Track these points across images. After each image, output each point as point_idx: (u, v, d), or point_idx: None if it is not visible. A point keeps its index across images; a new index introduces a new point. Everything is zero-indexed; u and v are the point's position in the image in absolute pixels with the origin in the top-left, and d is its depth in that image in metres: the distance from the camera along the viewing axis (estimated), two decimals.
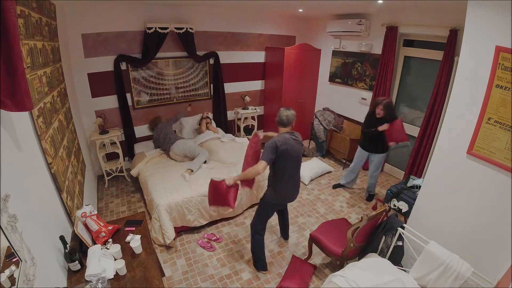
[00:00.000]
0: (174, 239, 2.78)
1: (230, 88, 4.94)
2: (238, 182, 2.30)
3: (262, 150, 2.28)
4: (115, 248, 1.74)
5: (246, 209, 3.42)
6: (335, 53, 4.88)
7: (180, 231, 2.99)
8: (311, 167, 4.24)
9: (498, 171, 1.73)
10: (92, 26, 3.46)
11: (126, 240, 1.87)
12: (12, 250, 1.06)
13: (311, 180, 4.16)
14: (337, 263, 2.45)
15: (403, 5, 3.47)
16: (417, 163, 3.76)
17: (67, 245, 1.56)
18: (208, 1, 3.73)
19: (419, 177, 3.47)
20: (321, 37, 5.07)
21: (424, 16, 3.42)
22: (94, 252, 1.63)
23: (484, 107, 1.73)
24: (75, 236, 1.81)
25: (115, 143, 3.77)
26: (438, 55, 3.39)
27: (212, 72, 4.60)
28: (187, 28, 3.91)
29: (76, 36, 3.40)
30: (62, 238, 1.55)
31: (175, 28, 3.82)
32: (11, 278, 1.03)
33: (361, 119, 4.53)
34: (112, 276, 1.59)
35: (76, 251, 1.63)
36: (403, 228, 2.16)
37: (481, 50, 1.71)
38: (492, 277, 1.69)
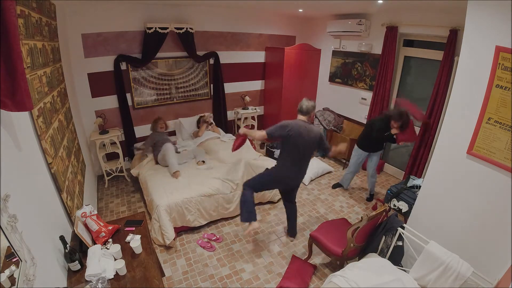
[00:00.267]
0: (174, 239, 2.78)
1: (230, 88, 4.94)
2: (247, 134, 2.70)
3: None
4: (115, 248, 1.74)
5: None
6: (335, 53, 4.88)
7: (180, 231, 2.99)
8: (311, 167, 4.22)
9: (498, 171, 1.73)
10: (92, 26, 3.46)
11: (126, 240, 1.87)
12: (12, 250, 1.06)
13: (311, 180, 4.16)
14: (337, 263, 2.45)
15: (403, 5, 3.47)
16: (417, 163, 3.76)
17: (67, 245, 1.56)
18: (208, 1, 3.73)
19: (419, 177, 3.47)
20: (321, 37, 5.07)
21: (424, 16, 3.42)
22: (94, 252, 1.63)
23: (484, 107, 1.73)
24: (75, 236, 1.81)
25: (115, 143, 3.77)
26: (438, 55, 3.39)
27: (212, 72, 4.60)
28: (187, 28, 3.91)
29: (76, 36, 3.40)
30: (62, 238, 1.55)
31: (175, 28, 3.82)
32: (11, 278, 1.03)
33: (361, 119, 4.57)
34: (112, 276, 1.59)
35: (76, 251, 1.63)
36: (403, 228, 2.16)
37: (481, 50, 1.71)
38: (492, 277, 1.69)
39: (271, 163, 2.98)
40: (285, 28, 5.21)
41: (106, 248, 1.76)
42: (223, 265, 2.63)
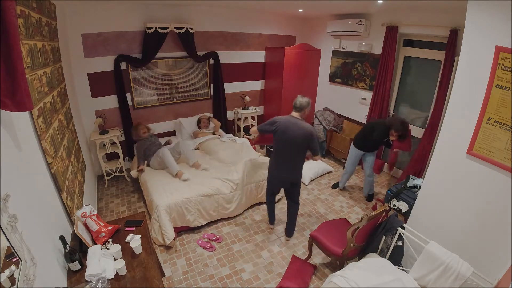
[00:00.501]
0: (174, 239, 2.78)
1: (230, 88, 4.94)
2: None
3: None
4: (115, 248, 1.74)
5: (246, 209, 3.42)
6: (335, 53, 4.88)
7: (180, 231, 2.99)
8: (311, 167, 4.23)
9: (498, 171, 1.73)
10: (92, 26, 3.46)
11: (126, 240, 1.88)
12: (12, 250, 1.06)
13: (311, 180, 4.16)
14: (337, 263, 2.45)
15: (403, 5, 3.47)
16: (417, 163, 3.75)
17: (67, 245, 1.56)
18: (208, 1, 3.73)
19: (419, 177, 3.47)
20: (321, 37, 5.07)
21: (424, 16, 3.42)
22: (94, 252, 1.63)
23: (484, 107, 1.73)
24: (75, 236, 1.81)
25: (115, 143, 3.77)
26: (438, 55, 3.39)
27: (212, 72, 4.60)
28: (187, 28, 3.91)
29: (76, 36, 3.40)
30: (62, 238, 1.55)
31: (175, 28, 3.82)
32: (11, 278, 1.03)
33: (361, 119, 4.56)
34: (112, 276, 1.59)
35: (76, 251, 1.63)
36: (403, 228, 2.16)
37: (481, 50, 1.71)
38: (492, 277, 1.69)
39: None
40: (285, 28, 5.21)
41: (106, 248, 1.76)
42: (223, 265, 2.63)
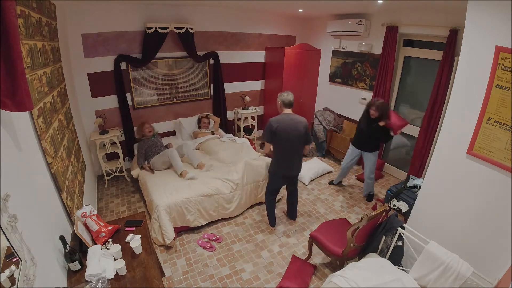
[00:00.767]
0: (174, 239, 2.78)
1: (230, 88, 4.94)
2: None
3: None
4: (115, 248, 1.74)
5: (246, 209, 3.42)
6: (335, 53, 4.88)
7: (180, 231, 2.99)
8: (311, 167, 4.24)
9: (498, 171, 1.73)
10: (92, 26, 3.46)
11: (126, 240, 1.88)
12: (12, 250, 1.06)
13: (311, 180, 4.16)
14: (337, 263, 2.45)
15: (403, 5, 3.47)
16: (417, 163, 3.76)
17: (67, 245, 1.56)
18: (208, 1, 3.73)
19: (419, 177, 3.47)
20: (321, 37, 5.07)
21: (424, 16, 3.42)
22: (94, 252, 1.63)
23: (484, 107, 1.73)
24: (75, 236, 1.81)
25: (115, 143, 3.77)
26: (438, 55, 3.39)
27: (212, 72, 4.60)
28: (187, 28, 3.91)
29: (76, 36, 3.40)
30: (62, 238, 1.55)
31: (175, 28, 3.82)
32: (11, 278, 1.03)
33: None
34: (112, 276, 1.59)
35: (76, 251, 1.63)
36: (403, 228, 2.16)
37: (481, 50, 1.71)
38: (492, 277, 1.69)
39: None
40: (285, 28, 5.21)
41: (106, 248, 1.76)
42: (223, 265, 2.63)
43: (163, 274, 2.43)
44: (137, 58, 3.85)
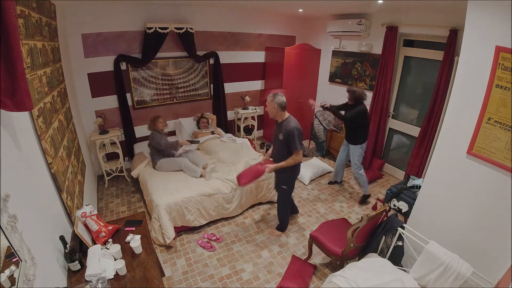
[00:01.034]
0: (174, 239, 2.78)
1: (230, 88, 4.94)
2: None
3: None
4: (115, 248, 1.74)
5: (246, 209, 3.42)
6: (335, 53, 4.88)
7: (180, 231, 2.99)
8: (311, 167, 4.24)
9: (498, 171, 1.73)
10: (92, 26, 3.46)
11: (126, 240, 1.87)
12: (12, 250, 1.06)
13: (311, 180, 4.16)
14: (337, 263, 2.45)
15: (403, 5, 3.47)
16: (417, 163, 3.76)
17: (67, 245, 1.56)
18: (208, 1, 3.73)
19: (419, 177, 3.47)
20: (321, 37, 5.07)
21: (424, 16, 3.42)
22: (94, 252, 1.63)
23: (484, 107, 1.73)
24: (75, 236, 1.81)
25: (115, 143, 3.77)
26: (438, 55, 3.39)
27: (212, 72, 4.60)
28: (187, 28, 3.91)
29: (76, 36, 3.40)
30: (62, 238, 1.55)
31: (175, 28, 3.82)
32: (11, 278, 1.03)
33: None
34: (112, 276, 1.59)
35: (76, 251, 1.63)
36: (403, 228, 2.16)
37: (481, 50, 1.71)
38: (492, 277, 1.69)
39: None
40: (285, 28, 5.21)
41: (106, 248, 1.76)
42: (223, 265, 2.63)
43: (163, 274, 2.43)
44: (137, 58, 3.85)
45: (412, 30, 3.63)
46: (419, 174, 3.68)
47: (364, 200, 3.68)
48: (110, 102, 3.90)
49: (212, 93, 4.76)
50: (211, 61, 4.55)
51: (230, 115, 5.12)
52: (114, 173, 3.93)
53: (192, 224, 2.97)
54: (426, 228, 2.15)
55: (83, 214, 1.86)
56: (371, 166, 4.42)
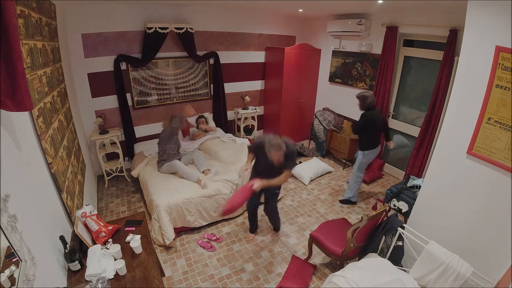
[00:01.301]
0: (174, 239, 2.78)
1: (230, 88, 4.94)
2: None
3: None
4: (115, 248, 1.74)
5: (246, 210, 3.41)
6: (335, 53, 4.88)
7: (180, 231, 2.99)
8: (311, 167, 4.24)
9: (498, 171, 1.73)
10: (92, 26, 3.46)
11: (126, 240, 1.88)
12: (12, 250, 1.06)
13: (311, 180, 4.16)
14: (337, 263, 2.45)
15: (403, 5, 3.47)
16: (417, 163, 3.75)
17: (67, 245, 1.56)
18: (208, 1, 3.73)
19: (419, 177, 3.47)
20: (321, 37, 5.07)
21: (424, 16, 3.42)
22: (94, 252, 1.63)
23: (484, 107, 1.73)
24: (75, 236, 1.81)
25: (115, 143, 3.77)
26: (438, 55, 3.39)
27: (212, 72, 4.60)
28: (187, 28, 3.91)
29: (76, 36, 3.40)
30: (62, 238, 1.55)
31: (175, 28, 3.82)
32: (11, 278, 1.03)
33: None
34: (112, 276, 1.59)
35: (76, 251, 1.63)
36: (403, 228, 2.16)
37: (481, 50, 1.71)
38: (492, 277, 1.69)
39: None
40: (285, 28, 5.21)
41: (106, 248, 1.76)
42: (223, 265, 2.63)
43: (163, 274, 2.43)
44: (137, 58, 3.85)
45: (412, 30, 3.63)
46: (419, 174, 3.68)
47: (343, 202, 3.62)
48: (110, 102, 3.90)
49: (212, 93, 4.76)
50: (211, 61, 4.54)
51: (230, 115, 5.12)
52: (114, 173, 3.93)
53: (193, 225, 2.97)
54: (426, 228, 2.15)
55: (83, 214, 1.86)
56: (371, 166, 4.42)
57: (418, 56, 3.78)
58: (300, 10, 4.31)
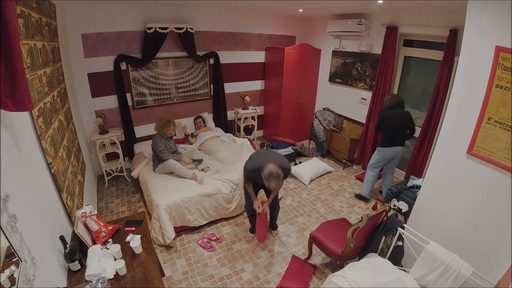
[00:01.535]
0: (174, 239, 2.78)
1: (230, 88, 4.94)
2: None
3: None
4: (115, 248, 1.74)
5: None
6: (335, 53, 4.88)
7: (180, 231, 2.99)
8: (311, 167, 4.24)
9: (498, 171, 1.73)
10: (92, 26, 3.46)
11: (126, 240, 1.88)
12: (12, 250, 1.06)
13: (311, 180, 4.16)
14: (337, 263, 2.45)
15: (403, 5, 3.47)
16: (417, 163, 3.75)
17: (67, 245, 1.56)
18: (208, 1, 3.73)
19: (419, 177, 3.47)
20: (321, 37, 5.07)
21: (424, 16, 3.42)
22: (94, 252, 1.63)
23: (484, 107, 1.73)
24: (75, 236, 1.81)
25: (115, 143, 3.77)
26: (438, 55, 3.39)
27: (212, 72, 4.60)
28: (187, 28, 3.91)
29: (76, 36, 3.40)
30: (62, 238, 1.55)
31: (175, 28, 3.82)
32: (11, 278, 1.03)
33: (361, 119, 4.57)
34: (112, 276, 1.59)
35: (76, 251, 1.63)
36: (403, 228, 2.16)
37: (481, 50, 1.71)
38: (492, 277, 1.69)
39: None
40: (285, 28, 5.21)
41: (106, 248, 1.76)
42: (223, 265, 2.63)
43: (163, 274, 2.43)
44: (137, 58, 3.85)
45: (412, 30, 3.63)
46: (419, 174, 3.68)
47: (358, 197, 3.76)
48: (110, 102, 3.90)
49: (212, 93, 4.76)
50: (211, 61, 4.54)
51: (230, 115, 5.12)
52: (114, 173, 3.93)
53: (192, 224, 2.97)
54: (426, 228, 2.15)
55: (83, 214, 1.86)
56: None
57: (418, 56, 3.78)
58: (300, 10, 4.31)
